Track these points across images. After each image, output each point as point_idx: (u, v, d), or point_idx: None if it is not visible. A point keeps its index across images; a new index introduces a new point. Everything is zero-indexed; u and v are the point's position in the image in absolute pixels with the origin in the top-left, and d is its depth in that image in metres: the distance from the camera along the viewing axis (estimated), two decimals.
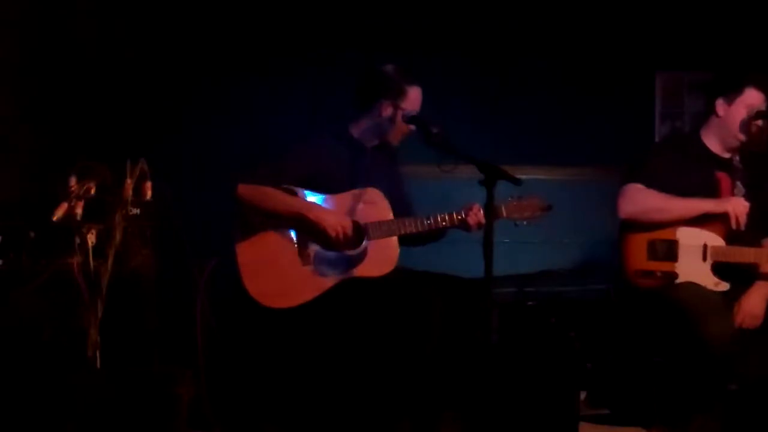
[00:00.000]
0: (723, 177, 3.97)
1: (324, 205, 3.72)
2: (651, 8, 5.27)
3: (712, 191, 3.93)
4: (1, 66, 4.35)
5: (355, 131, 3.90)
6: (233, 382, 3.90)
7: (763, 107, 3.90)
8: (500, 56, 5.20)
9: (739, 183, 3.95)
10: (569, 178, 5.19)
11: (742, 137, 3.93)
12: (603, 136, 5.26)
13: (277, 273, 3.67)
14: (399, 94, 3.80)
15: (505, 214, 3.77)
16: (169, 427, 3.45)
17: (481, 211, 3.64)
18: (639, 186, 3.88)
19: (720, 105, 3.95)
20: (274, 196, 3.68)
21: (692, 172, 3.94)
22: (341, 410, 3.74)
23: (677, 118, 5.56)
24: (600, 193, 4.77)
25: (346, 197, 3.76)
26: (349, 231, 3.67)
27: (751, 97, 3.90)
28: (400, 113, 3.80)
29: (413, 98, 3.82)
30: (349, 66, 4.55)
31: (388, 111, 3.82)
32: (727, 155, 4.00)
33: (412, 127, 3.79)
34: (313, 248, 3.70)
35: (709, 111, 3.99)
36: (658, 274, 3.88)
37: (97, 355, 3.44)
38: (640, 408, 4.07)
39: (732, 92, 3.93)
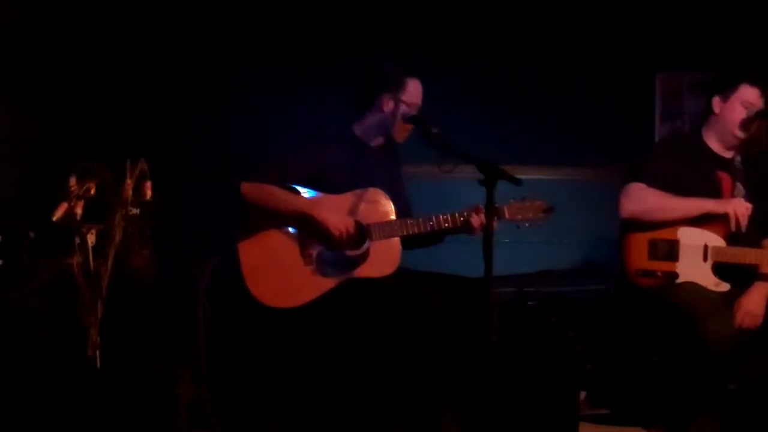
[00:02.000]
0: (724, 176, 3.98)
1: (327, 204, 3.70)
2: (651, 8, 5.26)
3: (713, 191, 3.94)
4: (1, 66, 4.35)
5: (359, 130, 3.90)
6: (234, 382, 3.90)
7: (758, 103, 3.91)
8: (500, 56, 5.20)
9: (739, 183, 3.95)
10: (569, 178, 5.19)
11: (739, 134, 3.94)
12: (603, 136, 5.26)
13: (280, 273, 3.66)
14: (398, 87, 3.80)
15: (507, 215, 3.76)
16: (169, 427, 3.45)
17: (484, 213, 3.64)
18: (641, 185, 3.89)
19: (716, 102, 3.97)
20: (277, 195, 3.68)
21: (694, 172, 3.95)
22: (342, 409, 3.74)
23: (677, 118, 5.56)
24: (600, 193, 4.78)
25: (349, 197, 3.75)
26: (352, 231, 3.66)
27: (745, 93, 3.92)
28: (401, 107, 3.80)
29: (413, 90, 3.82)
30: (352, 66, 4.54)
31: (389, 105, 3.82)
32: (727, 155, 4.01)
33: None
34: (316, 248, 3.69)
35: (708, 110, 4.00)
36: (659, 273, 3.88)
37: (97, 355, 3.43)
38: (639, 408, 4.07)
39: (727, 89, 3.94)
